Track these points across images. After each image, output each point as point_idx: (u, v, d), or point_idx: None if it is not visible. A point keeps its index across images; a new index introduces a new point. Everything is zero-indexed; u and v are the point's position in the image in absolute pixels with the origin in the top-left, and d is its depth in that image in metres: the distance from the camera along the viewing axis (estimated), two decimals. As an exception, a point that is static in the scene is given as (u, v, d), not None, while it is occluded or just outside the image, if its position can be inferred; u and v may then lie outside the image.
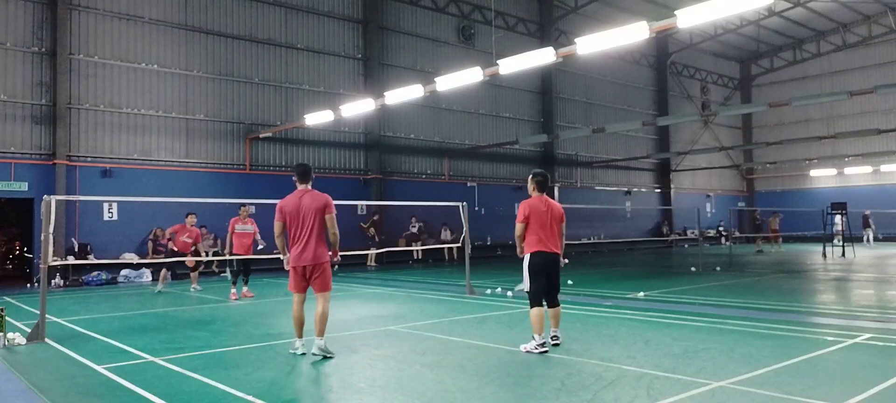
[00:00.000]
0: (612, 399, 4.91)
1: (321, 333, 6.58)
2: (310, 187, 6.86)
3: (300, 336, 6.81)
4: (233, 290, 12.58)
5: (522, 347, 6.79)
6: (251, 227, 12.66)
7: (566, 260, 7.05)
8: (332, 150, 22.87)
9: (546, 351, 6.61)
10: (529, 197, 7.16)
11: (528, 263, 6.88)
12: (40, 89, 17.44)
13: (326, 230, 6.71)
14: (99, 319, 10.04)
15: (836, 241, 23.85)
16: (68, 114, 17.65)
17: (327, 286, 6.68)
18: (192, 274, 14.44)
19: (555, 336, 7.00)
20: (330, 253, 6.77)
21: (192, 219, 13.96)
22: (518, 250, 7.08)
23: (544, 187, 7.15)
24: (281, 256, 6.84)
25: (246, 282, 12.76)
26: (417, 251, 23.76)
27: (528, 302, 6.95)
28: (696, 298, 11.28)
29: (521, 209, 6.98)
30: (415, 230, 23.92)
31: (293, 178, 6.98)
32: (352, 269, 20.30)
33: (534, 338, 6.71)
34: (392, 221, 23.34)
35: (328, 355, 6.54)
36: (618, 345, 6.97)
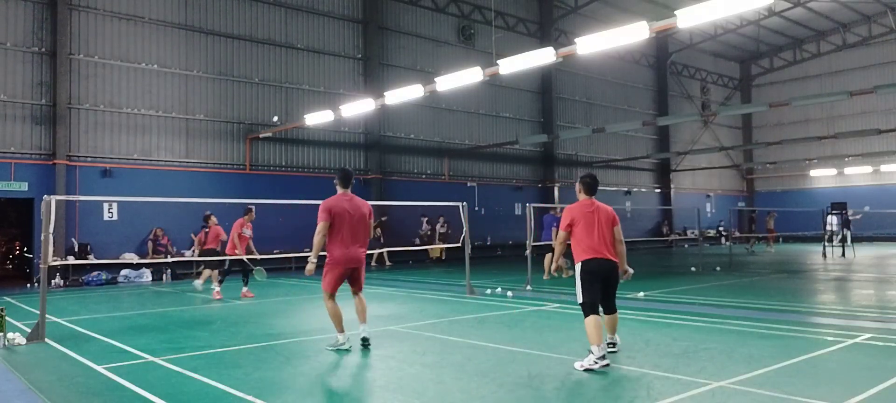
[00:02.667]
0: (612, 399, 4.91)
1: (365, 320, 7.11)
2: (350, 192, 7.11)
3: (343, 329, 6.92)
4: (245, 289, 12.72)
5: (577, 364, 5.94)
6: (249, 231, 12.88)
7: (630, 271, 6.48)
8: (332, 150, 22.87)
9: (607, 364, 5.89)
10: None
11: (580, 271, 6.24)
12: (40, 89, 17.43)
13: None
14: (99, 319, 10.04)
15: (836, 241, 23.83)
16: (68, 114, 17.64)
17: (363, 282, 7.20)
18: (210, 273, 14.42)
19: (612, 342, 6.50)
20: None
21: (214, 219, 14.01)
22: (553, 263, 6.83)
23: (592, 190, 6.51)
24: (311, 257, 6.74)
25: (246, 283, 12.90)
26: (441, 250, 23.57)
27: (582, 312, 6.18)
28: (696, 298, 11.28)
29: (564, 216, 6.48)
30: (441, 229, 23.79)
31: (335, 182, 7.20)
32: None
33: (591, 352, 5.91)
34: (394, 221, 23.30)
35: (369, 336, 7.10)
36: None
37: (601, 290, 6.24)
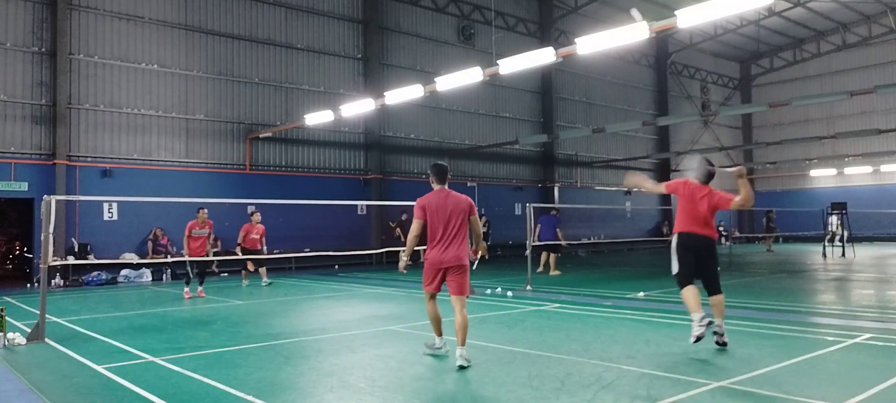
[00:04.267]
0: (612, 399, 4.91)
1: (463, 342, 6.18)
2: (447, 187, 6.60)
3: (441, 333, 6.60)
4: (186, 289, 13.07)
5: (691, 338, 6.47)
6: (207, 230, 13.23)
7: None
8: (332, 150, 22.86)
9: (709, 323, 6.32)
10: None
11: (675, 244, 6.85)
12: (40, 89, 17.43)
13: (471, 231, 6.59)
14: (99, 319, 10.04)
15: (836, 241, 23.85)
16: (68, 114, 17.64)
17: (466, 289, 6.39)
18: (261, 270, 15.71)
19: (718, 331, 6.60)
20: (472, 249, 6.57)
21: (257, 216, 15.25)
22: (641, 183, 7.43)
23: (704, 179, 6.84)
24: (401, 255, 6.46)
25: (201, 283, 13.27)
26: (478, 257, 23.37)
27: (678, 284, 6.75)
28: (696, 298, 11.27)
29: (672, 183, 7.05)
30: (483, 228, 23.81)
31: (429, 179, 6.71)
32: (351, 269, 20.32)
33: (693, 319, 6.42)
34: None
35: (469, 364, 6.10)
36: (618, 345, 6.97)
37: (694, 264, 6.66)
